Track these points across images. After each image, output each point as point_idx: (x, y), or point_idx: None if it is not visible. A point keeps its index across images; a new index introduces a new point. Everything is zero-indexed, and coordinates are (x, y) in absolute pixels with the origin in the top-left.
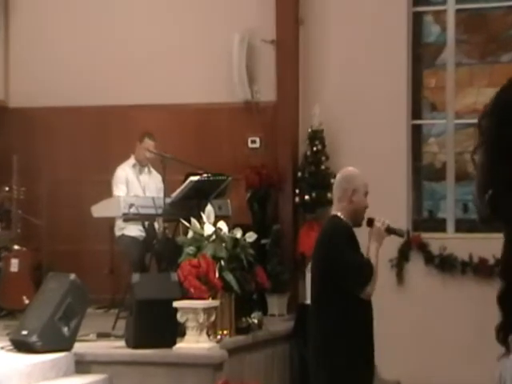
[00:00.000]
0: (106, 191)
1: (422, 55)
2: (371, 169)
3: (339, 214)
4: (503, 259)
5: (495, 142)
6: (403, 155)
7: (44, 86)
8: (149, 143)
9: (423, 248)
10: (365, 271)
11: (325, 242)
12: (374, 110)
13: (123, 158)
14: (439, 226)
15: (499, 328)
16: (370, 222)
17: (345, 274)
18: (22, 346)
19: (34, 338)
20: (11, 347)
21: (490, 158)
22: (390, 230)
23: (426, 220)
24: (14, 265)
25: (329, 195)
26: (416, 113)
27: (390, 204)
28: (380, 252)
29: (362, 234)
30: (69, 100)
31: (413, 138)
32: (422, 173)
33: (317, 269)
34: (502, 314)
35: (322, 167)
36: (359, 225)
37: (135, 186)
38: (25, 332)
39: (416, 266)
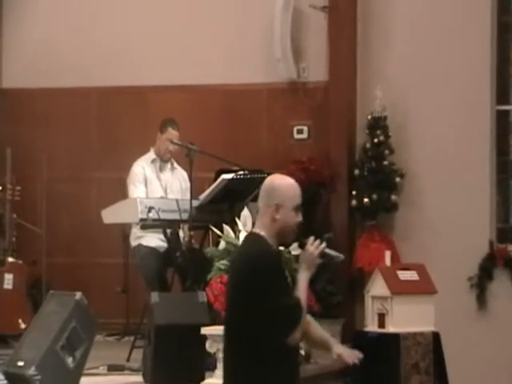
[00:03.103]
0: (119, 192)
1: (510, 23)
2: (445, 165)
3: (262, 232)
4: None
5: None
6: (486, 148)
7: (43, 65)
8: (172, 134)
9: (511, 264)
10: (294, 314)
11: (242, 276)
12: (449, 93)
13: (139, 152)
14: None
15: None
16: (302, 246)
17: (267, 321)
18: (17, 379)
19: (31, 371)
20: (4, 382)
21: None
22: (325, 255)
23: None
24: (8, 281)
25: (393, 197)
26: (502, 96)
27: (468, 210)
28: (456, 268)
29: None
30: (71, 80)
31: (498, 126)
32: (510, 170)
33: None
34: None
35: (385, 163)
36: (287, 242)
37: (155, 186)
38: (21, 363)
39: (502, 286)
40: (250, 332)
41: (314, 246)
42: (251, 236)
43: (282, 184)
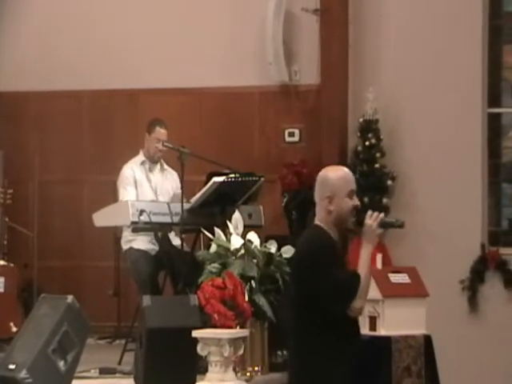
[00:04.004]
0: (111, 195)
1: (501, 27)
2: (437, 168)
3: (319, 223)
4: None
5: None
6: (477, 151)
7: (35, 67)
8: (161, 132)
9: (502, 267)
10: (349, 288)
11: (301, 262)
12: (441, 96)
13: (132, 155)
14: None
15: None
16: (361, 221)
17: (325, 296)
18: (8, 383)
19: (22, 374)
20: None
21: None
22: (386, 224)
23: (506, 232)
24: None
25: (385, 200)
26: (494, 99)
27: (460, 213)
28: (448, 271)
29: None
30: (64, 83)
31: (489, 129)
32: (502, 173)
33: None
34: None
35: (377, 166)
36: (349, 227)
37: (145, 188)
38: (12, 366)
39: (493, 289)
40: (313, 308)
41: (373, 218)
42: (311, 228)
43: (331, 175)
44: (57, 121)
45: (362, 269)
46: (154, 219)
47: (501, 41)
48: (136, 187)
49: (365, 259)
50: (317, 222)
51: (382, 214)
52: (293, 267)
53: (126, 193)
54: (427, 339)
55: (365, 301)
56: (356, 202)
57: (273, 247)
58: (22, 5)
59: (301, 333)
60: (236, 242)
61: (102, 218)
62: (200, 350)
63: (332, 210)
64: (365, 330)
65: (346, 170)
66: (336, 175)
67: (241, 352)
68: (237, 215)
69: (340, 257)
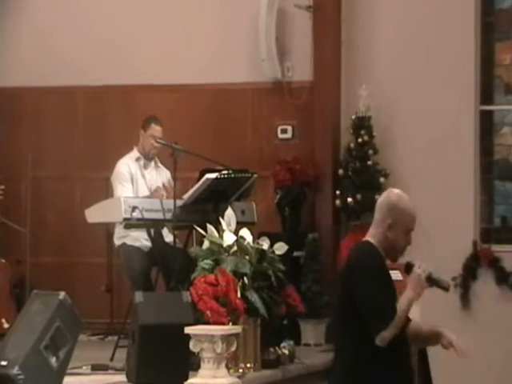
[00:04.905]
0: (104, 191)
1: (494, 24)
2: (429, 165)
3: (372, 240)
4: None
5: None
6: (470, 149)
7: (29, 64)
8: (156, 129)
9: (494, 264)
10: (387, 312)
11: (352, 269)
12: (433, 93)
13: (126, 151)
14: None
15: None
16: (409, 268)
17: (366, 309)
18: (0, 379)
19: (15, 371)
20: None
21: None
22: (432, 280)
23: (499, 229)
24: None
25: (377, 197)
26: (486, 96)
27: (453, 210)
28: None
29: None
30: (58, 79)
31: (482, 127)
32: (494, 170)
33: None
34: None
35: (369, 163)
36: (392, 261)
37: (140, 184)
38: (4, 363)
39: (485, 286)
40: (356, 321)
41: (421, 269)
42: (362, 242)
43: (401, 205)
44: (51, 117)
45: (401, 307)
46: (147, 216)
47: (493, 38)
48: (132, 183)
49: (405, 303)
50: (368, 237)
51: (430, 269)
52: (344, 276)
53: (125, 189)
54: None
55: (393, 333)
56: (410, 242)
57: (265, 244)
58: (16, 2)
59: (344, 336)
60: (229, 238)
61: (95, 214)
62: (192, 346)
63: (388, 237)
64: None
65: (413, 205)
66: (407, 207)
67: (233, 349)
68: (229, 212)
69: (389, 275)
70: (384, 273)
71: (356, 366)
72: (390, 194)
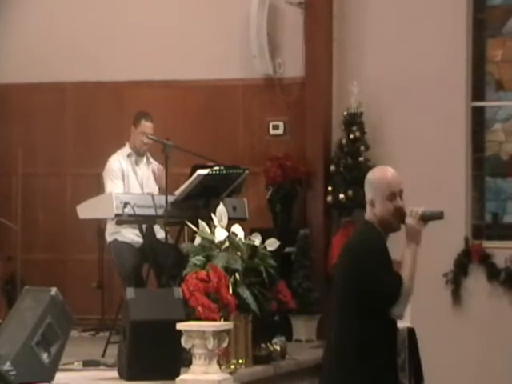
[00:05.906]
0: (94, 188)
1: (485, 21)
2: (421, 162)
3: (370, 219)
4: None
5: None
6: (461, 145)
7: (19, 59)
8: (146, 125)
9: (486, 260)
10: (392, 291)
11: (355, 254)
12: (425, 89)
13: (116, 148)
14: (506, 232)
15: None
16: (402, 220)
17: (374, 292)
18: None
19: (6, 366)
20: None
21: None
22: (426, 219)
23: (490, 225)
24: None
25: None
26: (477, 93)
27: (444, 206)
28: (432, 264)
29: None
30: (47, 75)
31: (473, 123)
32: (485, 167)
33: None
34: None
35: (361, 159)
36: (395, 230)
37: (131, 181)
38: None
39: (477, 282)
40: (358, 305)
41: (413, 215)
42: (363, 223)
43: (372, 178)
44: (40, 113)
45: (405, 270)
46: (138, 212)
47: (484, 35)
48: (123, 179)
49: (408, 260)
50: (367, 217)
51: (421, 208)
52: (344, 261)
53: (115, 186)
54: (411, 332)
55: (405, 306)
56: (398, 203)
57: (257, 240)
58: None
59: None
60: (220, 234)
61: (86, 210)
62: (184, 342)
63: (375, 213)
64: None
65: (388, 170)
66: (375, 177)
67: (225, 345)
68: (221, 208)
69: (389, 258)
70: (380, 253)
71: (358, 348)
72: (367, 175)
